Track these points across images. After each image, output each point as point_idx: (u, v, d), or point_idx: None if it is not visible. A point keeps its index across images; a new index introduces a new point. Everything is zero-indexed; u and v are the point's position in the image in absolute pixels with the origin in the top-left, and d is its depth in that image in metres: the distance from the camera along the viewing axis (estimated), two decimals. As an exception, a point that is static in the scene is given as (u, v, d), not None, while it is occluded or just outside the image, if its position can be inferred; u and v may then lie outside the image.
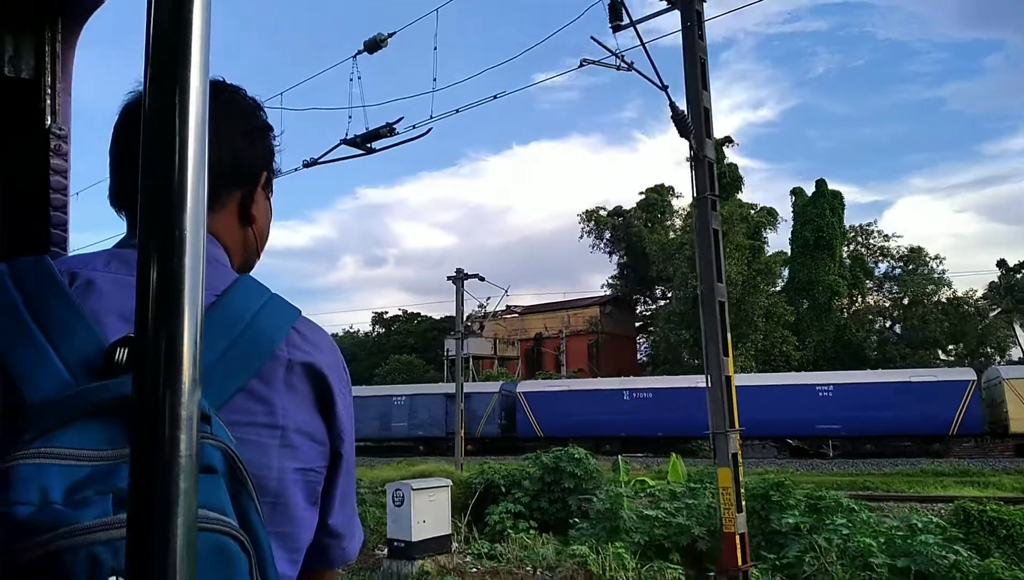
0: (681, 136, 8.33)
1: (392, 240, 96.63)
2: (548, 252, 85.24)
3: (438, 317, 70.64)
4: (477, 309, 56.68)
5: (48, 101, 1.13)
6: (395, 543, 10.74)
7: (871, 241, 45.48)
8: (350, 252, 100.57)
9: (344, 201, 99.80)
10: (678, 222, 47.72)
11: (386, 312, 74.26)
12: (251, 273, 0.96)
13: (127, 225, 0.96)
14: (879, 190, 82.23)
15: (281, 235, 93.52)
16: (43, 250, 1.11)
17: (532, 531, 14.92)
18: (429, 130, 8.99)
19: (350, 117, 9.42)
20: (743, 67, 79.07)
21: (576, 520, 14.29)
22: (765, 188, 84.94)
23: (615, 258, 48.25)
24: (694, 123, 8.41)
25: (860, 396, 26.50)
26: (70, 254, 1.01)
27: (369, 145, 9.15)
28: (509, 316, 51.86)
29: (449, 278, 24.04)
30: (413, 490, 10.70)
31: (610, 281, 50.52)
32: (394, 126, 8.74)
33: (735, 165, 45.45)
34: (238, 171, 0.97)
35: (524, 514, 15.96)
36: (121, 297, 0.80)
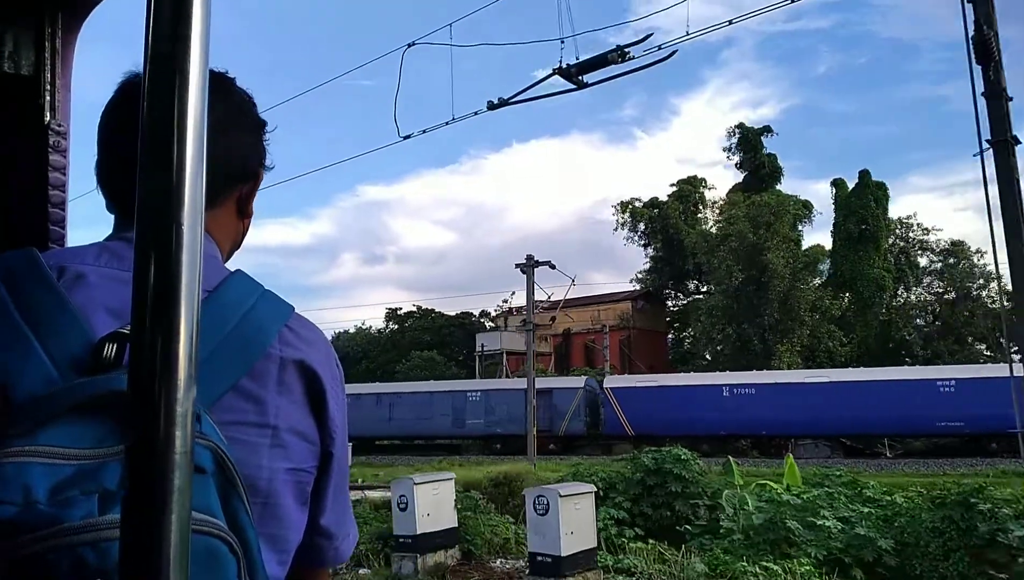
0: (977, 62, 6.80)
1: (392, 238, 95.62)
2: (548, 250, 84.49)
3: (452, 313, 69.42)
4: (501, 304, 55.42)
5: (47, 97, 1.12)
6: (539, 558, 9.31)
7: (910, 234, 44.13)
8: (350, 249, 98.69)
9: (344, 198, 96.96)
10: (710, 214, 46.45)
11: (399, 308, 72.73)
12: (242, 269, 0.90)
13: (116, 215, 0.93)
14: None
15: (280, 232, 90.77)
16: (42, 247, 1.04)
17: (639, 540, 13.53)
18: (674, 52, 7.73)
19: (562, 44, 8.22)
20: (744, 66, 77.96)
21: (688, 527, 12.92)
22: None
23: (648, 250, 46.76)
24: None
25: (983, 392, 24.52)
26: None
27: (582, 79, 7.66)
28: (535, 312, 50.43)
29: (518, 266, 22.62)
30: (561, 496, 9.25)
31: (639, 275, 49.06)
32: (627, 50, 7.21)
33: (774, 155, 44.10)
34: (245, 169, 0.97)
35: (627, 521, 14.57)
36: (111, 292, 0.78)
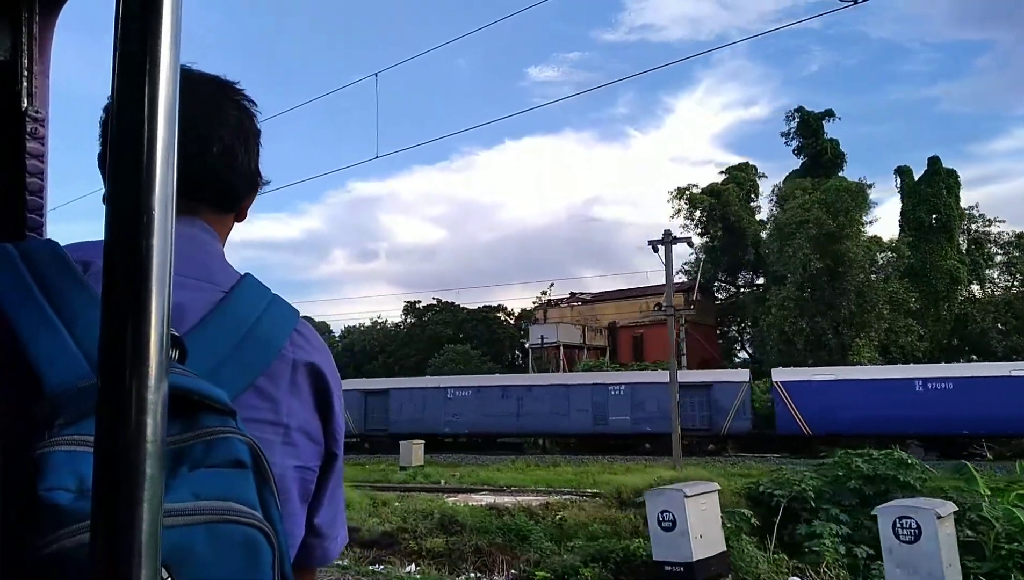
0: None
1: (383, 234, 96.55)
2: (540, 247, 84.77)
3: (474, 306, 67.00)
4: (540, 296, 53.10)
5: (24, 83, 1.10)
6: (669, 567, 7.40)
7: (973, 226, 42.29)
8: (340, 245, 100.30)
9: (335, 194, 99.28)
10: (764, 203, 44.39)
11: (419, 301, 70.17)
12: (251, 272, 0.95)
13: None
14: (871, 189, 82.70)
15: (270, 227, 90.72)
16: (18, 235, 1.07)
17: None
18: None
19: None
20: (736, 64, 78.30)
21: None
22: (759, 185, 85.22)
23: (703, 240, 44.51)
24: None
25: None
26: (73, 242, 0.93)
27: None
28: (575, 304, 48.10)
29: (651, 243, 20.25)
30: (687, 497, 7.41)
31: (687, 267, 46.85)
32: None
33: (836, 140, 42.06)
34: (259, 178, 1.01)
35: (853, 538, 12.32)
36: None
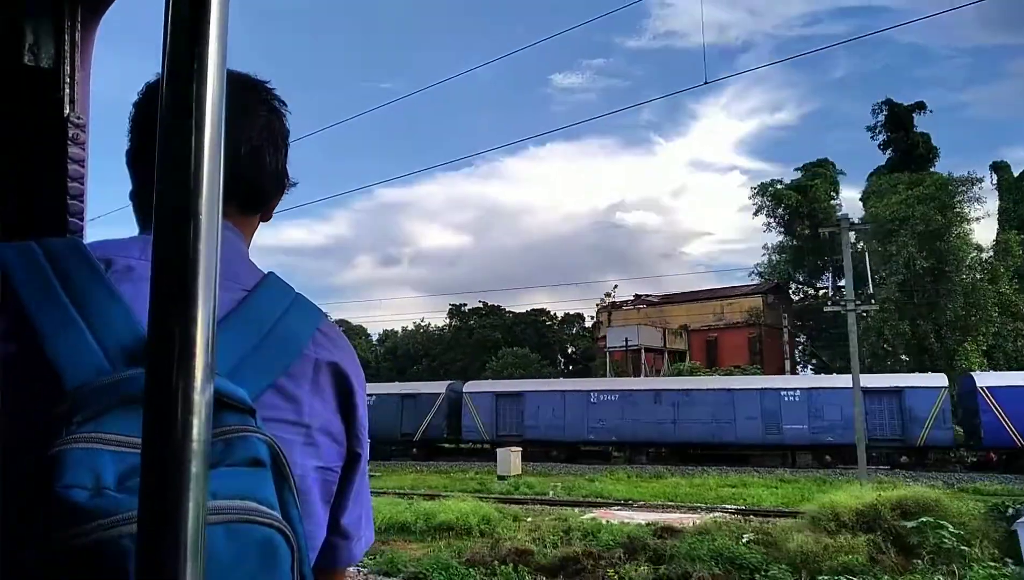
0: None
1: (407, 239, 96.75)
2: (562, 253, 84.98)
3: (521, 310, 65.09)
4: (604, 297, 51.08)
5: (67, 90, 1.13)
6: None
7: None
8: (365, 251, 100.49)
9: (360, 200, 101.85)
10: (844, 201, 42.15)
11: (464, 304, 68.41)
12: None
13: (142, 217, 0.95)
14: (979, 185, 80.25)
15: (296, 233, 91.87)
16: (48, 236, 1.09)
17: None
18: None
19: None
20: (762, 70, 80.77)
21: None
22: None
23: (785, 239, 42.29)
24: None
25: None
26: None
27: None
28: (640, 306, 45.99)
29: (825, 230, 18.15)
30: None
31: (759, 269, 44.62)
32: None
33: (928, 134, 39.76)
34: (286, 180, 1.01)
35: None
36: None
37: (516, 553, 12.22)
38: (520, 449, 26.18)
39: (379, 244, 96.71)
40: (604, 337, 45.40)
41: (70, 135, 1.10)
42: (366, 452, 0.92)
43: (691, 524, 15.11)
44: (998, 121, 59.12)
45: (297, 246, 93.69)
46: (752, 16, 73.70)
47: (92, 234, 1.12)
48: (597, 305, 49.05)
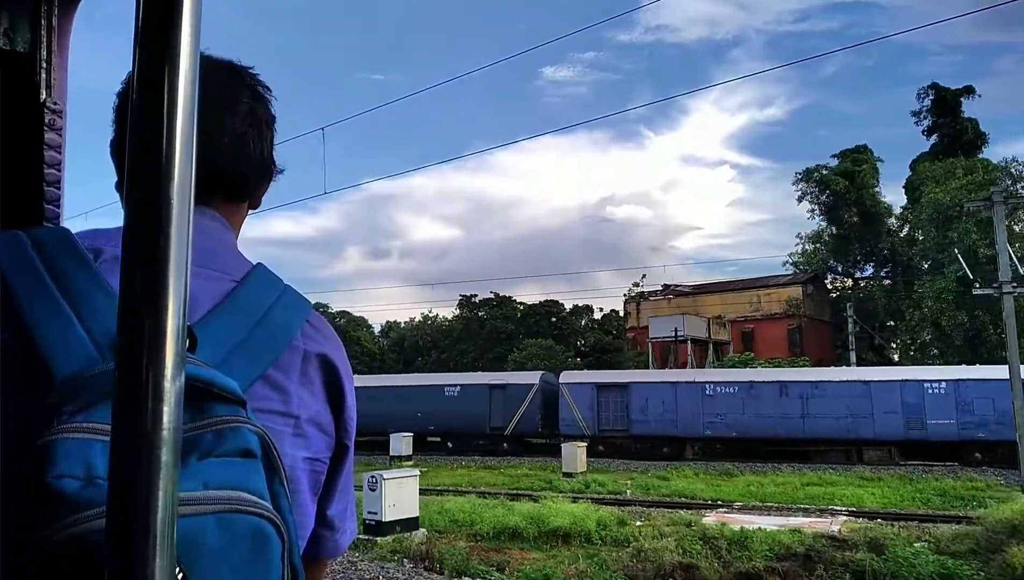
0: None
1: (397, 232, 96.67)
2: (551, 246, 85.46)
3: (532, 301, 63.39)
4: (632, 288, 49.38)
5: (43, 75, 1.11)
6: None
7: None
8: (354, 243, 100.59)
9: (349, 192, 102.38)
10: (885, 189, 40.83)
11: (474, 295, 66.62)
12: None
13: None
14: (889, 191, 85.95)
15: (284, 225, 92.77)
16: (37, 226, 1.06)
17: None
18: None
19: None
20: (752, 65, 79.60)
21: None
22: (774, 187, 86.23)
23: (827, 227, 40.85)
24: None
25: None
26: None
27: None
28: (670, 297, 44.44)
29: (969, 206, 16.57)
30: None
31: (791, 258, 43.24)
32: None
33: (976, 119, 38.47)
34: (272, 167, 0.99)
35: None
36: None
37: (681, 568, 10.53)
38: (585, 444, 24.42)
39: (369, 236, 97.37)
40: (633, 328, 43.86)
41: (46, 120, 1.09)
42: (352, 445, 0.91)
43: (833, 530, 13.54)
44: (991, 119, 58.73)
45: (285, 238, 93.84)
46: (743, 11, 73.60)
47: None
48: (624, 295, 47.37)
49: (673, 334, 36.19)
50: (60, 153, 1.10)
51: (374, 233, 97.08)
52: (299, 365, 0.83)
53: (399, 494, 13.08)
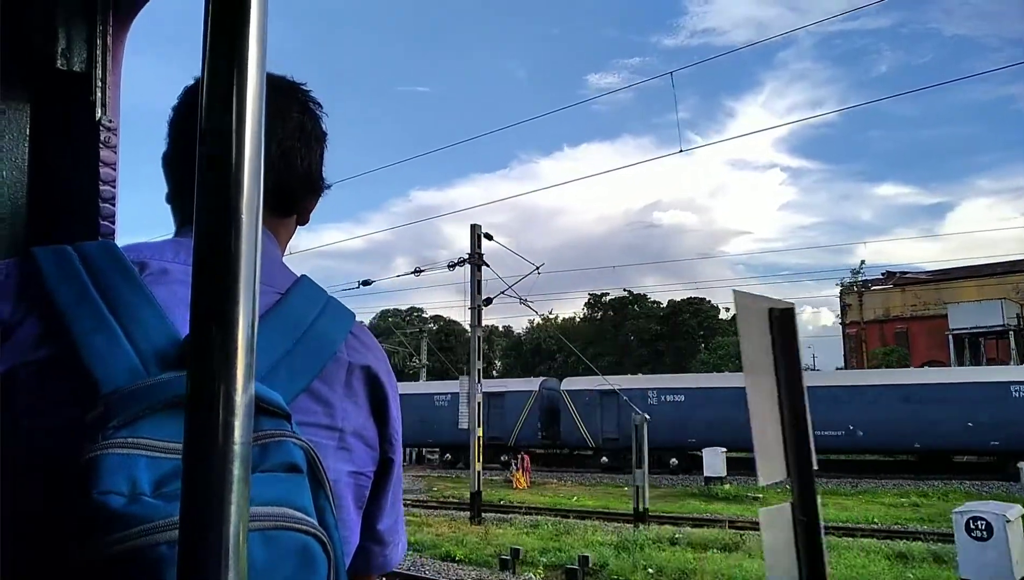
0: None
1: (443, 241, 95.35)
2: (597, 253, 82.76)
3: (677, 298, 56.73)
4: (852, 274, 42.50)
5: (99, 94, 1.13)
6: None
7: None
8: (403, 253, 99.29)
9: (397, 203, 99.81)
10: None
11: (605, 293, 59.86)
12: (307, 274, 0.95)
13: (182, 206, 0.95)
14: (941, 192, 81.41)
15: (335, 236, 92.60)
16: (92, 241, 1.06)
17: None
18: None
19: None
20: (802, 66, 79.12)
21: None
22: (826, 189, 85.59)
23: None
24: None
25: None
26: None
27: None
28: (902, 286, 37.36)
29: None
30: None
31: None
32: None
33: None
34: (321, 183, 1.01)
35: None
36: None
37: None
38: (725, 449, 21.96)
39: (416, 246, 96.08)
40: (855, 322, 36.79)
41: (102, 138, 1.11)
42: (399, 457, 0.90)
43: None
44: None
45: (336, 250, 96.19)
46: (792, 12, 68.79)
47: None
48: (838, 285, 40.27)
49: (996, 324, 28.90)
50: (115, 170, 1.11)
51: (421, 243, 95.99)
52: (343, 377, 0.82)
53: None
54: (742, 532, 14.31)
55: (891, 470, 24.26)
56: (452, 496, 22.52)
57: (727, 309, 54.97)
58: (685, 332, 52.13)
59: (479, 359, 18.46)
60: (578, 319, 60.64)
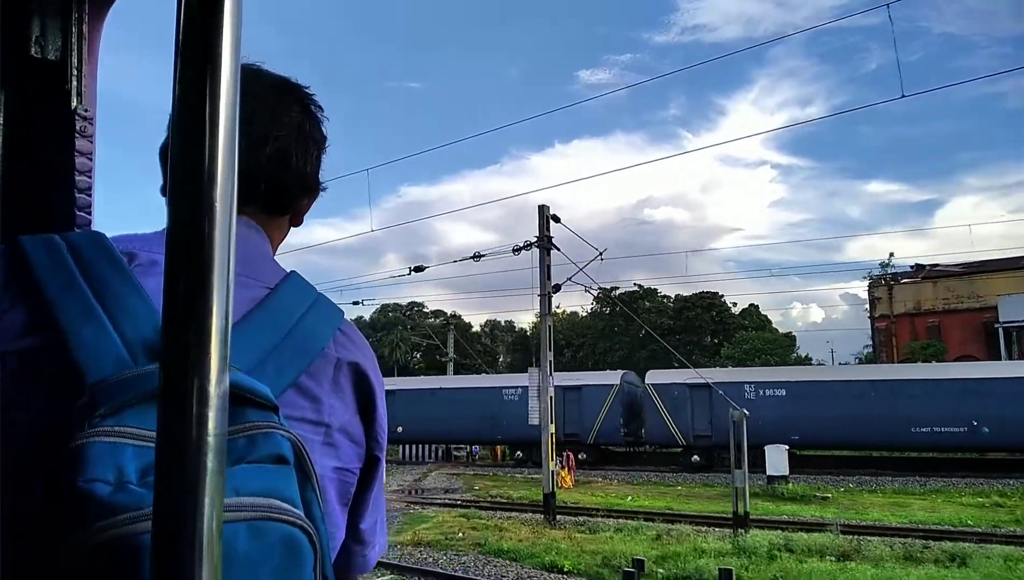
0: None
1: (435, 238, 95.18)
2: (588, 250, 79.74)
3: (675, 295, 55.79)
4: (880, 269, 41.66)
5: (74, 82, 1.12)
6: None
7: None
8: (393, 250, 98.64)
9: (388, 199, 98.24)
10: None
11: (615, 288, 58.69)
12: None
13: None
14: (931, 189, 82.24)
15: (324, 233, 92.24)
16: (68, 231, 1.04)
17: None
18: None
19: None
20: (792, 64, 79.10)
21: None
22: (815, 186, 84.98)
23: None
24: None
25: None
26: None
27: None
28: (935, 279, 36.55)
29: None
30: None
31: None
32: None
33: None
34: (316, 183, 1.00)
35: None
36: None
37: None
38: (787, 447, 21.09)
39: (407, 242, 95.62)
40: (885, 317, 35.94)
41: (78, 128, 1.09)
42: (383, 457, 0.89)
43: None
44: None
45: (325, 246, 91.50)
46: (781, 8, 68.81)
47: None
48: (866, 278, 39.41)
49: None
50: (91, 160, 1.10)
51: (412, 239, 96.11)
52: (331, 373, 0.82)
53: None
54: (851, 537, 13.22)
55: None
56: (499, 496, 21.29)
57: (734, 304, 54.14)
58: (697, 326, 51.05)
59: (550, 349, 17.22)
60: (583, 313, 59.31)
